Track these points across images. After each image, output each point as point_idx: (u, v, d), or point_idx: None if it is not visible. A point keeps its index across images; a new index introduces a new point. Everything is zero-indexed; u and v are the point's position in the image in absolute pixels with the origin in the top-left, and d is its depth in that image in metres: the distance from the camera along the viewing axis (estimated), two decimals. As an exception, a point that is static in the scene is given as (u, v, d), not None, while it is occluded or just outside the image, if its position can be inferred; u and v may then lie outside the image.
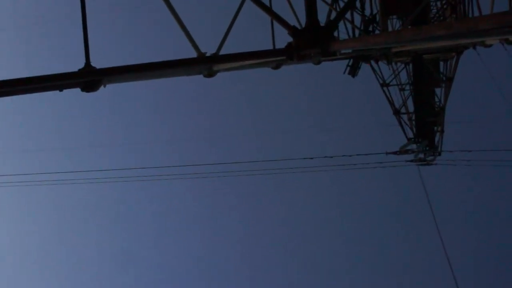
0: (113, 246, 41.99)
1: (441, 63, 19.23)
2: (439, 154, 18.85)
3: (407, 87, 19.27)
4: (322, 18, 9.23)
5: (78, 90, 8.62)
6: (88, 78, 8.38)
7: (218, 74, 9.51)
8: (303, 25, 8.77)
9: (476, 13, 14.10)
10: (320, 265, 38.75)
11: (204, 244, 40.51)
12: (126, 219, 42.31)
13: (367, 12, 16.18)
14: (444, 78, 18.71)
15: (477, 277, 34.97)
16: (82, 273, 41.63)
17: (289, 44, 8.70)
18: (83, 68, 8.35)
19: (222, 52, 8.99)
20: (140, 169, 18.40)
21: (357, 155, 17.47)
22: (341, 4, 14.23)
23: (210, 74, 9.34)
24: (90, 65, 8.37)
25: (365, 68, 17.67)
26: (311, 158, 17.35)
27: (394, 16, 17.44)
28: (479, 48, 16.53)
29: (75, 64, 8.50)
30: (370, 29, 16.04)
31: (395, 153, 18.34)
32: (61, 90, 8.61)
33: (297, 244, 39.63)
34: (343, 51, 12.28)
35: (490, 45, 15.25)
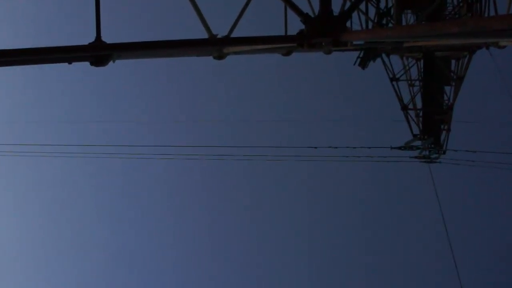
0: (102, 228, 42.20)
1: (453, 61, 19.10)
2: (444, 153, 18.80)
3: (417, 83, 19.19)
4: (337, 7, 9.19)
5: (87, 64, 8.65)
6: (98, 52, 8.39)
7: (228, 57, 9.50)
8: (317, 13, 8.73)
9: (493, 13, 13.97)
10: (316, 259, 38.87)
11: (197, 231, 40.73)
12: (117, 196, 42.48)
13: (382, 4, 16.08)
14: (454, 77, 18.60)
15: (479, 277, 35.05)
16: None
17: (301, 31, 8.67)
18: (93, 42, 8.35)
19: (234, 35, 8.97)
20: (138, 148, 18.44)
21: (361, 147, 17.46)
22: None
23: (220, 56, 9.33)
24: (101, 40, 8.37)
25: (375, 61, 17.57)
26: (315, 148, 17.35)
27: (409, 11, 17.31)
28: (492, 49, 16.39)
29: (86, 38, 8.51)
30: (384, 22, 15.94)
31: (400, 148, 18.33)
32: (70, 63, 8.62)
33: (295, 234, 39.77)
34: (354, 42, 12.21)
35: (504, 47, 15.12)
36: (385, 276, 38.41)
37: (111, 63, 8.72)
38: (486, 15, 14.49)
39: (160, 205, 41.87)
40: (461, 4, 16.61)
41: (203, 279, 40.71)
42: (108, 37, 8.50)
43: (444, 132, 18.84)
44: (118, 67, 9.21)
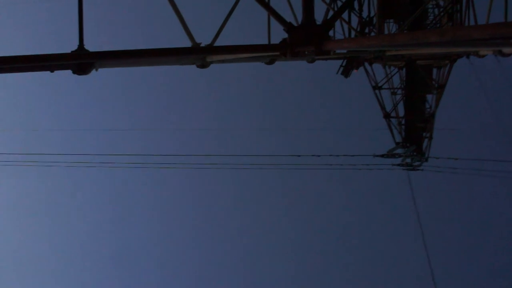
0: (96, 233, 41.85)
1: (434, 70, 19.33)
2: (426, 160, 18.96)
3: (399, 92, 19.37)
4: (320, 16, 9.26)
5: (69, 72, 8.61)
6: (81, 61, 8.35)
7: (212, 65, 9.51)
8: (300, 22, 8.79)
9: (473, 23, 14.17)
10: (297, 265, 38.85)
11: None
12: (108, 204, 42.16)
13: (365, 14, 16.23)
14: (436, 85, 18.81)
15: (458, 282, 35.30)
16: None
17: (284, 40, 8.71)
18: (76, 50, 8.32)
19: (217, 44, 8.99)
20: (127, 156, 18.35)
21: (344, 155, 17.53)
22: (340, 5, 14.23)
23: (204, 65, 9.34)
24: (83, 48, 8.34)
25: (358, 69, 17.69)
26: (298, 156, 17.39)
27: (391, 20, 17.49)
28: (472, 58, 16.63)
29: (68, 46, 8.47)
30: (366, 31, 16.08)
31: (382, 156, 18.43)
32: (52, 71, 8.57)
33: (276, 241, 39.72)
34: (337, 51, 12.31)
35: (484, 56, 15.33)
36: (364, 282, 38.51)
37: (94, 71, 8.69)
38: (466, 24, 14.69)
39: (145, 213, 41.62)
40: (442, 14, 16.83)
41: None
42: (91, 46, 8.48)
43: (426, 140, 19.02)
44: (103, 75, 9.18)
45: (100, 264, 41.28)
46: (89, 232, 41.47)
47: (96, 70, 8.77)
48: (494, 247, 35.68)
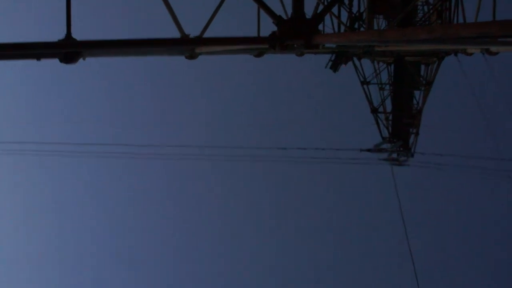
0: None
1: (423, 67, 19.46)
2: (412, 156, 19.12)
3: (387, 87, 19.49)
4: (310, 10, 9.25)
5: (56, 60, 8.54)
6: (68, 49, 8.29)
7: (200, 57, 9.49)
8: (289, 16, 8.79)
9: (462, 21, 14.26)
10: (279, 261, 38.96)
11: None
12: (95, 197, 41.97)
13: (355, 9, 16.27)
14: (424, 82, 18.94)
15: (441, 279, 35.68)
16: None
17: (273, 33, 8.70)
18: (63, 39, 8.25)
19: (206, 35, 8.96)
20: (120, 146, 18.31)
21: (330, 149, 17.61)
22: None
23: (192, 56, 9.31)
24: (71, 36, 8.27)
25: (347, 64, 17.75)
26: (284, 149, 17.44)
27: (381, 16, 17.55)
28: (460, 56, 16.75)
29: (56, 34, 8.40)
30: (356, 26, 16.13)
31: (368, 150, 18.54)
32: (38, 59, 8.50)
33: (260, 236, 39.81)
34: (326, 45, 12.34)
35: (471, 54, 15.44)
36: (348, 278, 38.78)
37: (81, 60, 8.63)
38: (455, 22, 14.78)
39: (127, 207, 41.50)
40: (431, 12, 16.92)
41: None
42: (79, 35, 8.41)
43: (412, 136, 19.17)
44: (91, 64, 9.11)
45: (87, 259, 41.12)
46: (70, 224, 41.33)
47: (84, 59, 8.72)
48: (479, 243, 36.12)
